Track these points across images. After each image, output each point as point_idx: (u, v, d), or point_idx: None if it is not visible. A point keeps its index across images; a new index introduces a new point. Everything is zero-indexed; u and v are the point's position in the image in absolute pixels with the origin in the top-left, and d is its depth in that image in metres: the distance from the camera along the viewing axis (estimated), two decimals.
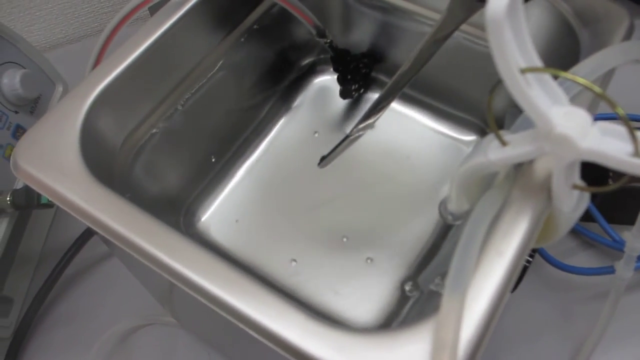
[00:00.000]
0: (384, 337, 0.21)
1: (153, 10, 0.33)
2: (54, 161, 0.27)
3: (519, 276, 0.35)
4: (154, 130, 0.34)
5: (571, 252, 0.46)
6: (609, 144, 0.20)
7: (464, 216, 0.29)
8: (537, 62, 0.21)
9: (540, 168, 0.24)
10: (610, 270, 0.40)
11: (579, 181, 0.23)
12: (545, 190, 0.24)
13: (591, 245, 0.47)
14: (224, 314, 0.22)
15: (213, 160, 0.40)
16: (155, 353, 0.44)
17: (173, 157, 0.37)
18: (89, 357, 0.43)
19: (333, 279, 0.37)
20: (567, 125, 0.21)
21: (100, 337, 0.43)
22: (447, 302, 0.21)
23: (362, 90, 0.43)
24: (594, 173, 0.27)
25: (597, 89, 0.20)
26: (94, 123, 0.29)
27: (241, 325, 0.22)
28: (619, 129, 0.21)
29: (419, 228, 0.38)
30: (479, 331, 0.20)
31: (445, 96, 0.41)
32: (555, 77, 0.24)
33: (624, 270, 0.38)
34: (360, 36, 0.43)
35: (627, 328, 0.43)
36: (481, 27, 0.35)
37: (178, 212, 0.39)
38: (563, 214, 0.24)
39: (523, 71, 0.21)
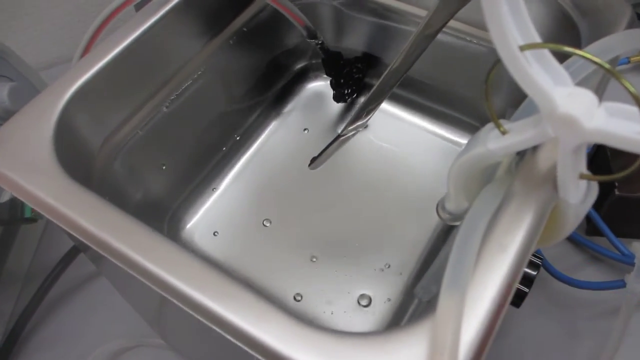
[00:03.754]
0: (375, 340, 0.19)
1: (139, 7, 0.32)
2: (25, 158, 0.25)
3: (527, 288, 0.33)
4: (138, 132, 0.32)
5: (578, 267, 0.44)
6: (618, 125, 0.19)
7: (464, 215, 0.27)
8: (537, 39, 0.20)
9: (544, 157, 0.23)
10: (621, 284, 0.38)
11: (585, 170, 0.21)
12: (549, 181, 0.22)
13: (599, 259, 0.45)
14: (199, 317, 0.20)
15: (199, 165, 0.39)
16: None
17: (158, 160, 0.35)
18: None
19: (328, 291, 0.35)
20: (572, 105, 0.19)
21: None
22: (444, 301, 0.19)
23: (355, 95, 0.42)
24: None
25: (605, 64, 0.19)
26: (71, 120, 0.27)
27: (219, 330, 0.20)
28: (628, 109, 0.19)
29: (418, 233, 0.36)
30: (481, 333, 0.18)
31: (441, 97, 0.40)
32: (562, 61, 0.22)
33: (635, 283, 0.36)
34: (354, 41, 0.42)
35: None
36: (476, 24, 0.34)
37: (162, 217, 0.37)
38: (570, 207, 0.22)
39: (522, 48, 0.19)
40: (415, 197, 0.38)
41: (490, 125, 0.23)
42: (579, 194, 0.22)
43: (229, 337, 0.19)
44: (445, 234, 0.36)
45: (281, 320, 0.19)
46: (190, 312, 0.20)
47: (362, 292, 0.35)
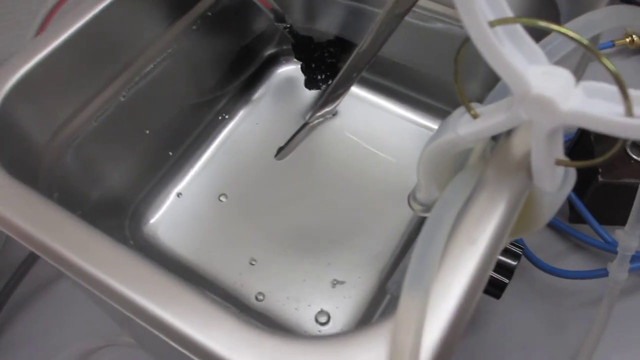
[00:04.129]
0: (331, 343, 0.17)
1: None
2: None
3: (507, 279, 0.32)
4: (92, 123, 0.30)
5: (560, 256, 0.43)
6: (596, 106, 0.17)
7: None
8: (508, 14, 0.18)
9: (518, 142, 0.21)
10: (603, 273, 0.37)
11: (562, 155, 0.20)
12: (524, 168, 0.21)
13: (581, 247, 0.43)
14: (142, 322, 0.18)
15: (162, 156, 0.37)
16: None
17: (116, 153, 0.33)
18: None
19: (294, 288, 0.33)
20: (546, 86, 0.18)
21: None
22: (406, 300, 0.17)
23: (330, 82, 0.40)
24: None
25: (584, 40, 0.17)
26: (12, 113, 0.25)
27: (164, 337, 0.18)
28: (607, 88, 0.17)
29: (391, 226, 0.34)
30: (445, 334, 0.17)
31: (413, 82, 0.38)
32: (538, 40, 0.21)
33: (617, 272, 0.35)
34: (326, 24, 0.40)
35: (623, 336, 0.39)
36: (448, 3, 0.32)
37: (123, 214, 0.35)
38: (546, 196, 0.20)
39: (492, 24, 0.18)
40: (388, 188, 0.36)
41: (461, 109, 0.22)
42: (555, 182, 0.20)
43: (174, 344, 0.18)
44: (420, 225, 0.34)
45: (230, 324, 0.17)
46: (133, 316, 0.18)
47: (332, 287, 0.33)
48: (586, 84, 0.18)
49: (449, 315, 0.17)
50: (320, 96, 0.39)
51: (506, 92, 0.22)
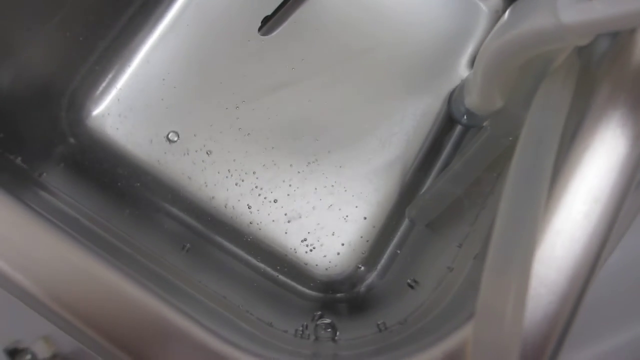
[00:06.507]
0: None
1: None
2: None
3: None
4: None
5: None
6: None
7: (491, 117, 0.19)
8: None
9: None
10: None
11: None
12: None
13: None
14: None
15: (101, 24, 0.27)
16: None
17: (30, 18, 0.24)
18: None
19: (281, 201, 0.27)
20: None
21: None
22: (489, 293, 0.11)
23: None
24: None
25: None
26: None
27: None
28: None
29: (413, 122, 0.27)
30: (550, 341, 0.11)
31: None
32: None
33: None
34: None
35: None
36: None
37: (56, 105, 0.26)
38: None
39: None
40: (411, 69, 0.27)
41: None
42: None
43: None
44: (450, 126, 0.27)
45: None
46: None
47: (331, 202, 0.27)
48: None
49: (555, 314, 0.11)
50: None
51: None
